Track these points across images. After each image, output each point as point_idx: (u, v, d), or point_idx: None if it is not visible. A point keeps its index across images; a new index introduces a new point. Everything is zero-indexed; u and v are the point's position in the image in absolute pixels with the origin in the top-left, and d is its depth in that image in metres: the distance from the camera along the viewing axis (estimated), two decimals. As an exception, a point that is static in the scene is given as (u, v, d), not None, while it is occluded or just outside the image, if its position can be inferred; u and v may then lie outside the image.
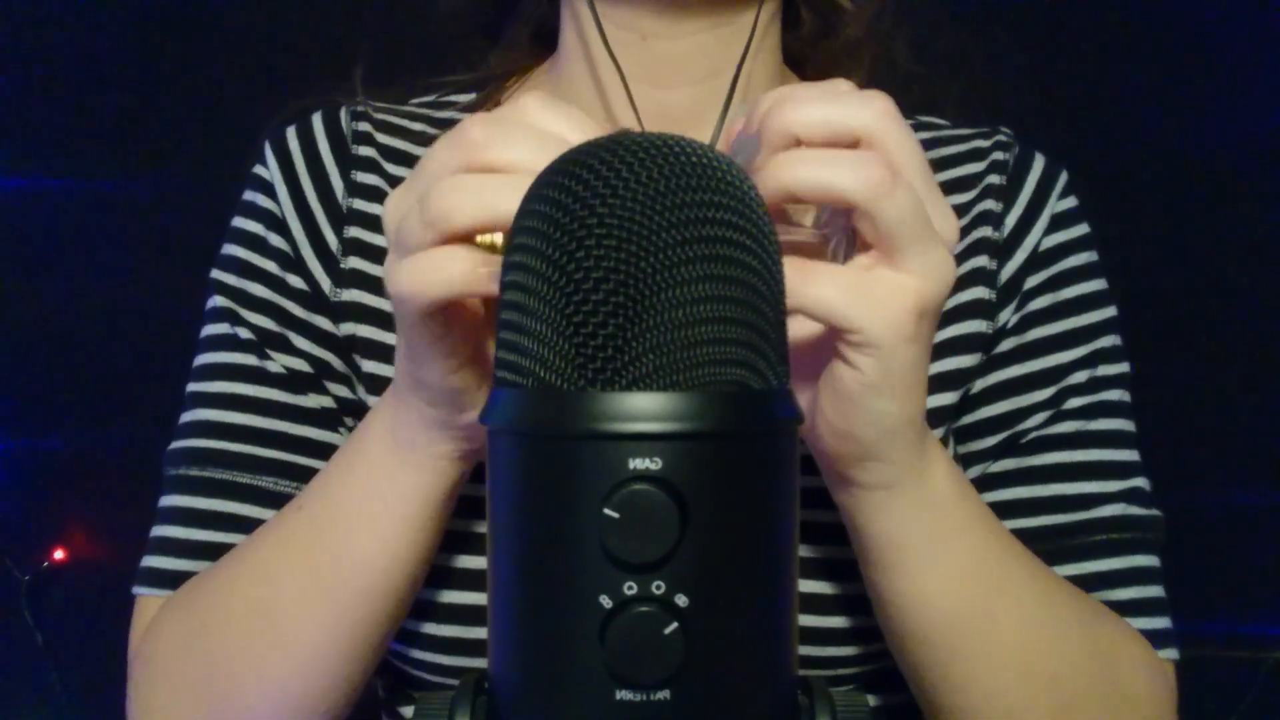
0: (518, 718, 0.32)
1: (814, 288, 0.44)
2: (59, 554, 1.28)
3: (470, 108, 0.74)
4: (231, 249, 0.70)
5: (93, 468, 1.27)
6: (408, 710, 0.69)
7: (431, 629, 0.63)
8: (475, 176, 0.44)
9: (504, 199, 0.43)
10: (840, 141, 0.45)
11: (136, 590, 0.66)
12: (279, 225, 0.69)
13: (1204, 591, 1.04)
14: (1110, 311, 0.70)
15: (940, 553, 0.53)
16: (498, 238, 0.46)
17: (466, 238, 0.45)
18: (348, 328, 0.67)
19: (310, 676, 0.57)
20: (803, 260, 0.44)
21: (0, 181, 1.25)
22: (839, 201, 0.44)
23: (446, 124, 0.72)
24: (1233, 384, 1.20)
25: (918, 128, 0.74)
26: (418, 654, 0.64)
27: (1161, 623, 0.65)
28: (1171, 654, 0.65)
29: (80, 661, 1.29)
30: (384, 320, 0.67)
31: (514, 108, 0.47)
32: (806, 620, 0.62)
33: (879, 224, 0.44)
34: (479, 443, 0.54)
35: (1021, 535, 0.64)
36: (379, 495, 0.55)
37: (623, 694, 0.31)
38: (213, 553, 0.64)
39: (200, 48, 1.22)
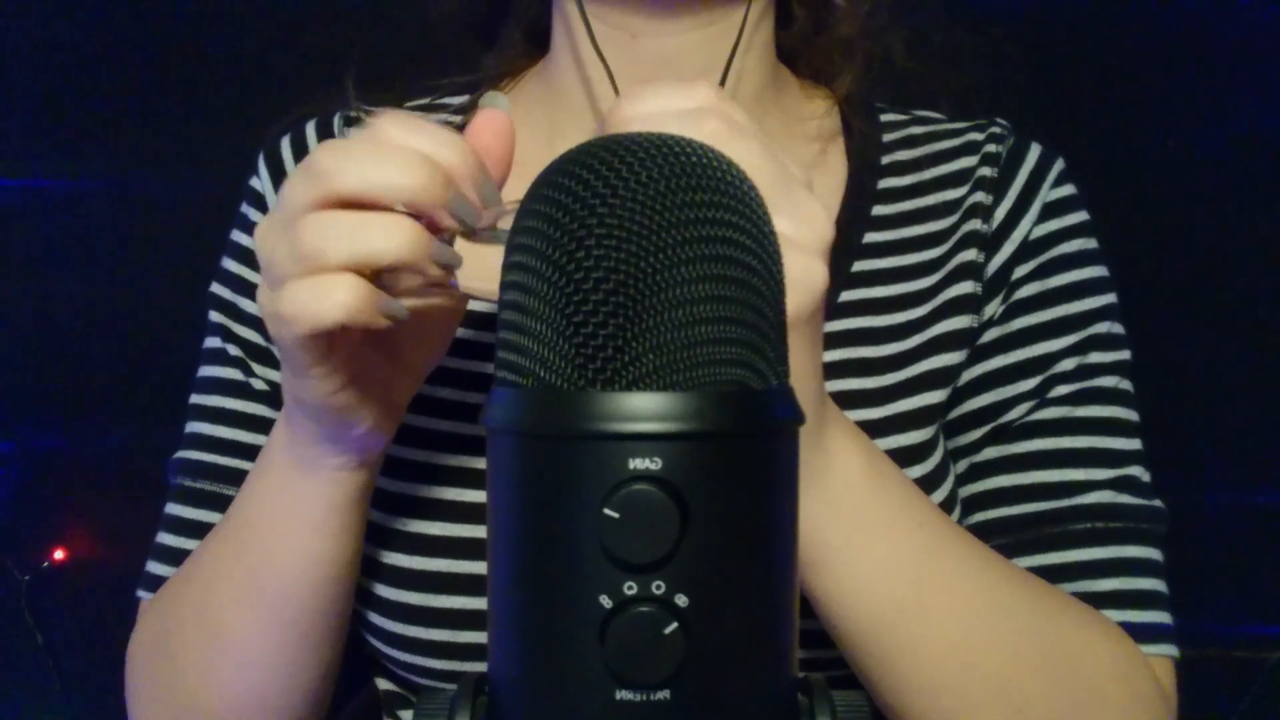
0: (517, 718, 0.32)
1: None
2: (59, 554, 1.28)
3: (464, 109, 0.74)
4: (227, 263, 0.71)
5: (93, 468, 1.28)
6: (406, 714, 0.69)
7: (418, 632, 0.63)
8: (345, 216, 0.45)
9: (376, 240, 0.44)
10: None
11: (138, 594, 0.69)
12: None
13: (1204, 591, 1.04)
14: (1107, 298, 0.68)
15: (859, 548, 0.52)
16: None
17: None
18: None
19: (251, 678, 0.59)
20: None
21: (0, 181, 1.25)
22: None
23: None
24: (1233, 383, 1.20)
25: (913, 122, 0.74)
26: (406, 657, 0.64)
27: (1153, 616, 0.63)
28: (1167, 650, 0.63)
29: (80, 661, 1.29)
30: None
31: (367, 129, 0.47)
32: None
33: None
34: (373, 454, 0.55)
35: (1003, 523, 0.63)
36: (284, 506, 0.56)
37: (623, 694, 0.31)
38: None
39: (201, 48, 1.22)
